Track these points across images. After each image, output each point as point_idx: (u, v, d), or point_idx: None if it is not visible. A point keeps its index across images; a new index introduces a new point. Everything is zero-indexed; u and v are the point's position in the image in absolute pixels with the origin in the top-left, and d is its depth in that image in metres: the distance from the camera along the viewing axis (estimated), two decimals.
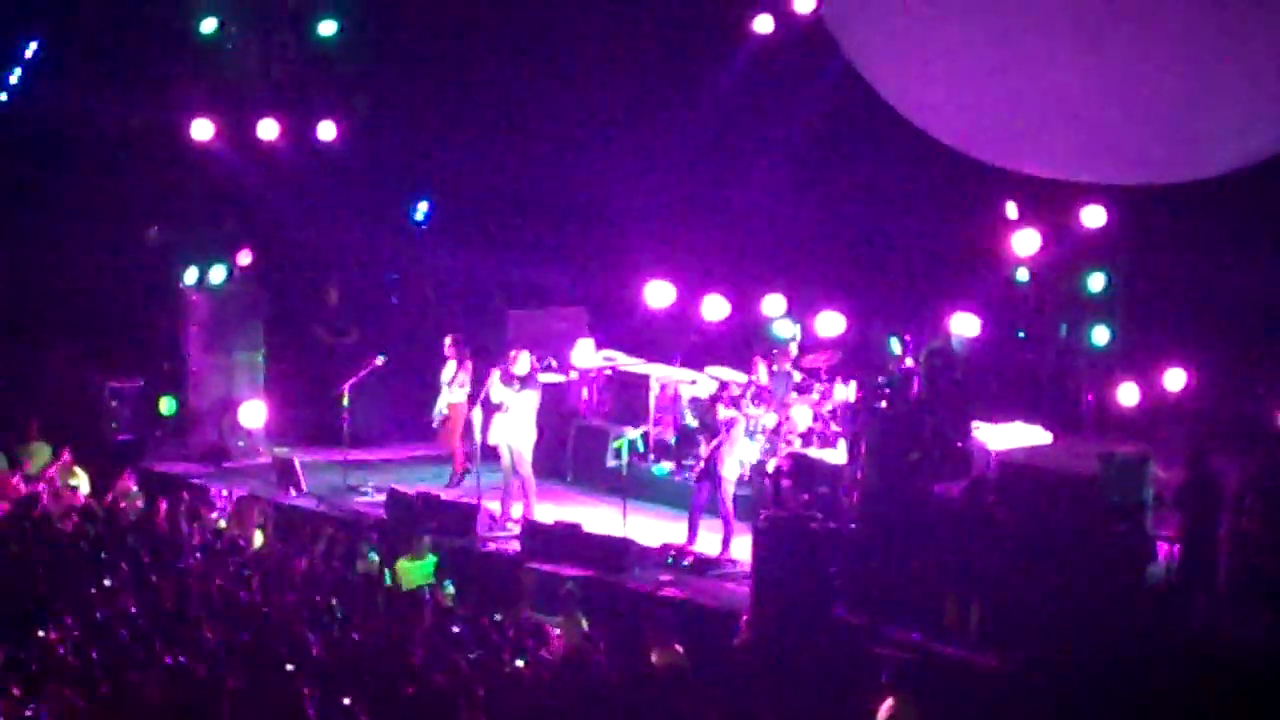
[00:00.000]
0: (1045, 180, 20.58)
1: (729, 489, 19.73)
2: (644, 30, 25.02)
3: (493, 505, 20.96)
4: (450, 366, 22.49)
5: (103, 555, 17.94)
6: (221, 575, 17.47)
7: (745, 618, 17.28)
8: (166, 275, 24.94)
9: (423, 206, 26.93)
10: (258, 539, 19.83)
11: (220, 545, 19.00)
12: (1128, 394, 22.07)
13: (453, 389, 22.42)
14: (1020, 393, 21.88)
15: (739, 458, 20.13)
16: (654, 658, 15.92)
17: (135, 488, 21.75)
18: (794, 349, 22.36)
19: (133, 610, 16.01)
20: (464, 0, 25.59)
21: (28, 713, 12.80)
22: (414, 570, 18.96)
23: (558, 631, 16.71)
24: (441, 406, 22.53)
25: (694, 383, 22.36)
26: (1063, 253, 22.96)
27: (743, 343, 23.10)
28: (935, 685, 15.36)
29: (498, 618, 16.83)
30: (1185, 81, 17.44)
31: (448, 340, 22.65)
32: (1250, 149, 18.01)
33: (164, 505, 20.53)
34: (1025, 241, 22.53)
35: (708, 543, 19.74)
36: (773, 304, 23.07)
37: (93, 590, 16.66)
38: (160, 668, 14.08)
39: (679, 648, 16.15)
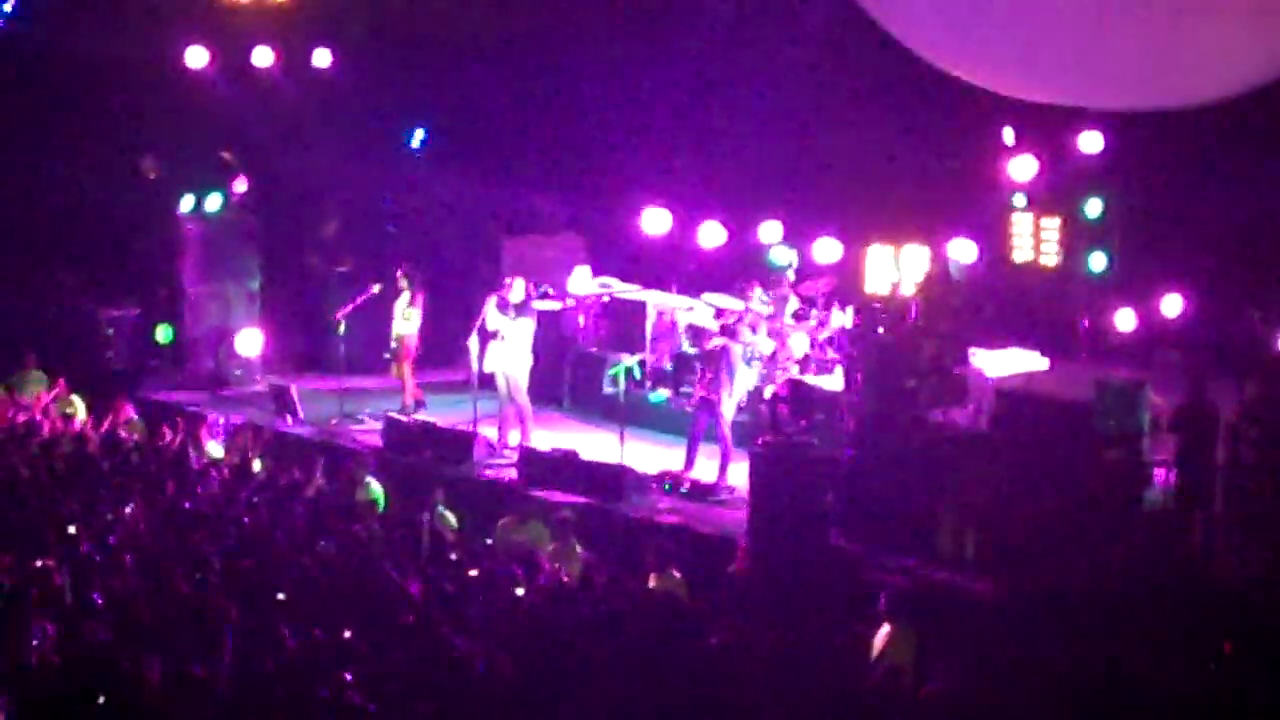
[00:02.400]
0: (1042, 106, 20.49)
1: (727, 415, 19.75)
2: None
3: (489, 433, 20.99)
4: (404, 297, 22.50)
5: (102, 482, 17.98)
6: (226, 501, 17.52)
7: (742, 544, 17.32)
8: (162, 204, 24.93)
9: (419, 133, 26.84)
10: (256, 467, 19.86)
11: (220, 472, 19.03)
12: (1124, 320, 22.10)
13: (405, 320, 22.45)
14: (1017, 319, 21.87)
15: (737, 385, 20.14)
16: (652, 583, 15.98)
17: (136, 416, 21.79)
18: (791, 275, 22.36)
19: (137, 535, 16.07)
20: None
21: (33, 642, 12.81)
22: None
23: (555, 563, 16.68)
24: (396, 336, 22.58)
25: (691, 309, 22.34)
26: (1060, 178, 22.93)
27: (739, 269, 23.06)
28: (931, 612, 15.40)
29: (489, 541, 16.90)
30: (1184, 5, 17.32)
31: (399, 272, 22.64)
32: (1248, 74, 17.90)
33: (166, 432, 20.59)
34: (1022, 167, 22.51)
35: (705, 469, 19.77)
36: (769, 230, 23.03)
37: (91, 517, 16.68)
38: (162, 596, 14.11)
39: (677, 573, 16.20)
